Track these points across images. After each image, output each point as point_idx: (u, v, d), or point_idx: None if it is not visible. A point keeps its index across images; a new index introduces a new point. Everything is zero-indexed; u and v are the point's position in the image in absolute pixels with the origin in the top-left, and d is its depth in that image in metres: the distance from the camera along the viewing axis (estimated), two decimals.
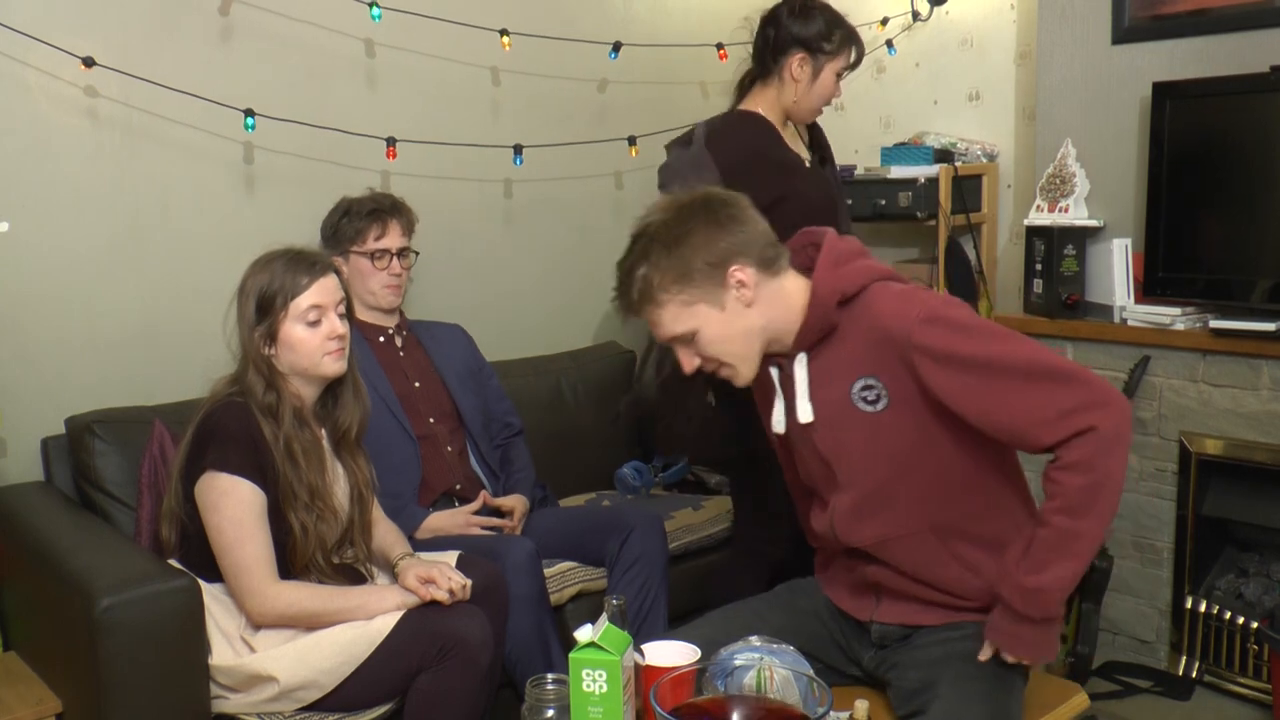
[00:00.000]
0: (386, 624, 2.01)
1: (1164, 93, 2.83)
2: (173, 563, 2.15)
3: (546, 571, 2.51)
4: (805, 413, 1.81)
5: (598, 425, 3.29)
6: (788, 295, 1.79)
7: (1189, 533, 2.89)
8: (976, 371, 1.68)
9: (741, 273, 1.74)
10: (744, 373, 1.81)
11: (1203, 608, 2.85)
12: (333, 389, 2.20)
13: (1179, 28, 2.90)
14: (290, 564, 2.08)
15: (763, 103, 2.58)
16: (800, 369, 1.81)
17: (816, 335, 1.78)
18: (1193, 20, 2.87)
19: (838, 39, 2.51)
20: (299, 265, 2.10)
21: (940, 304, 1.74)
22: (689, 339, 1.78)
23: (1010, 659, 1.73)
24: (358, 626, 2.01)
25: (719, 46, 3.51)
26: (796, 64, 2.52)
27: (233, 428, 2.04)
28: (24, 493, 2.45)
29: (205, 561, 2.08)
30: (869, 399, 1.76)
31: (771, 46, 2.56)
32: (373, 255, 2.67)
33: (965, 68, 3.74)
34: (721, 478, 3.24)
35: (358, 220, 2.68)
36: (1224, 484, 2.85)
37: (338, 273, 2.17)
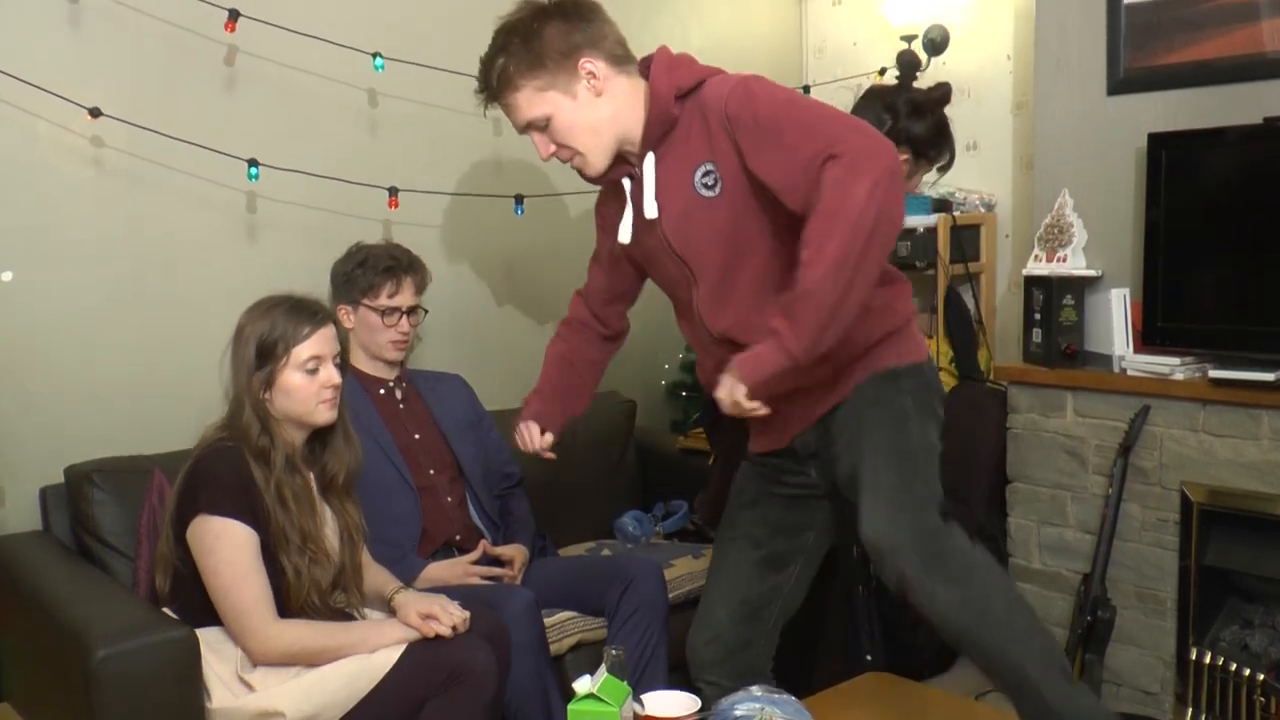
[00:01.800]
0: (390, 656, 2.03)
1: (1159, 144, 2.86)
2: (166, 611, 2.14)
3: (546, 621, 2.50)
4: (651, 209, 1.95)
5: (598, 474, 3.28)
6: (635, 94, 1.95)
7: (1192, 583, 2.87)
8: (771, 122, 1.80)
9: (591, 64, 1.91)
10: (593, 163, 1.97)
11: (1208, 659, 2.82)
12: (322, 435, 2.23)
13: (1174, 79, 2.93)
14: (285, 607, 2.08)
15: None
16: (649, 167, 1.95)
17: (660, 129, 1.93)
18: (1187, 71, 2.90)
19: (946, 153, 2.55)
20: (301, 314, 2.14)
21: (752, 77, 1.89)
22: (543, 125, 1.95)
23: (735, 375, 1.79)
24: (361, 659, 2.02)
25: None
26: (912, 163, 2.53)
27: (223, 471, 2.07)
28: (22, 542, 2.44)
29: (197, 606, 2.09)
30: (709, 184, 1.90)
31: (913, 148, 2.54)
32: (383, 311, 2.67)
33: (962, 118, 3.74)
34: None
35: (372, 274, 2.67)
36: (1226, 534, 2.84)
37: (335, 323, 2.21)
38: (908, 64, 2.82)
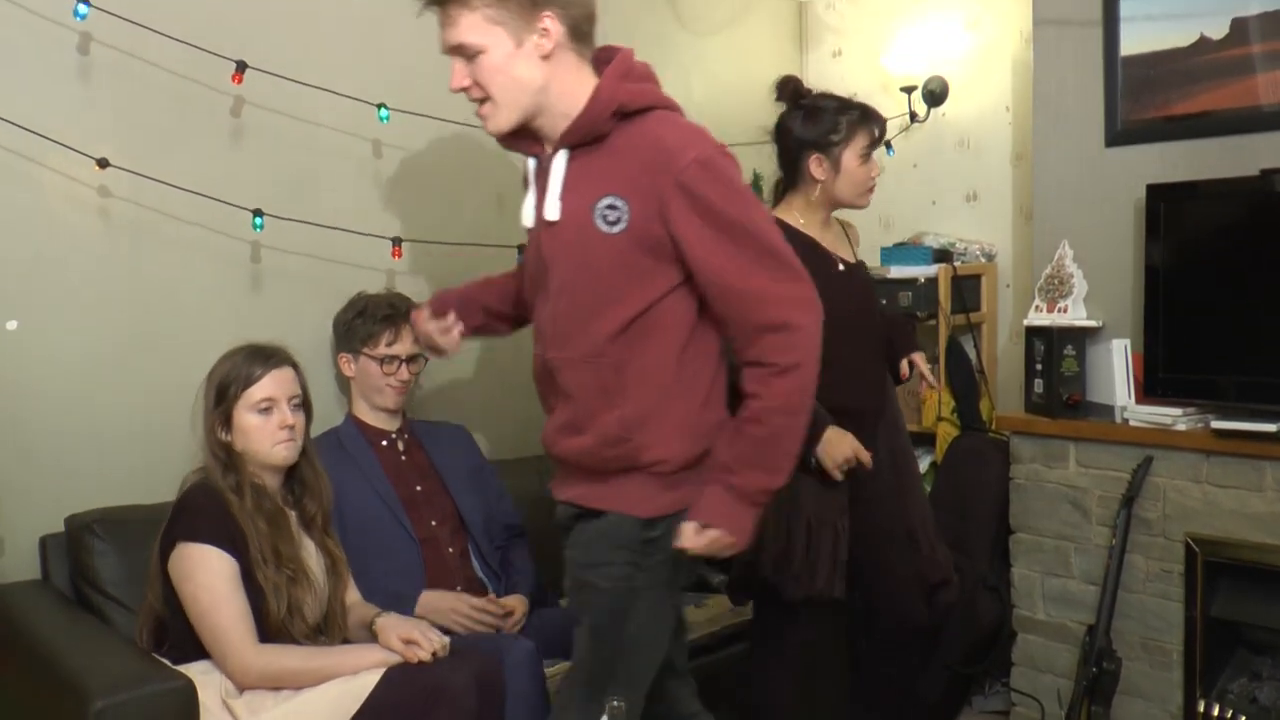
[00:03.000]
0: (371, 679, 2.06)
1: (1158, 195, 2.88)
2: (156, 656, 2.16)
3: (547, 670, 2.47)
4: (553, 210, 1.85)
5: None
6: (580, 82, 1.84)
7: (1198, 635, 2.84)
8: (725, 228, 1.76)
9: (552, 23, 1.81)
10: (500, 118, 1.86)
11: (1215, 711, 2.80)
12: (298, 476, 2.32)
13: (1171, 131, 2.96)
14: (264, 626, 2.12)
15: (796, 207, 2.62)
16: (559, 165, 1.85)
17: (582, 136, 1.83)
18: (1184, 124, 2.93)
19: (844, 126, 2.54)
20: (255, 358, 2.26)
21: (717, 152, 1.80)
22: (472, 55, 1.82)
23: (713, 532, 1.81)
24: (344, 682, 2.06)
25: None
26: (814, 165, 2.56)
27: (200, 500, 2.17)
28: (20, 591, 2.42)
29: (183, 642, 2.14)
30: (609, 219, 1.80)
31: (789, 155, 2.61)
32: (383, 360, 2.68)
33: (962, 168, 3.81)
34: (724, 578, 3.21)
35: (371, 323, 2.69)
36: (1232, 586, 2.82)
37: (295, 367, 2.29)
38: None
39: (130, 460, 2.64)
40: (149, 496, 2.57)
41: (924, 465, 3.41)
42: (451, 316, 2.21)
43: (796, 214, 2.61)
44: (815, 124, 2.56)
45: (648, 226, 1.77)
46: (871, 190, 2.61)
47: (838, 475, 2.47)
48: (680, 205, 1.75)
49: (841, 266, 2.61)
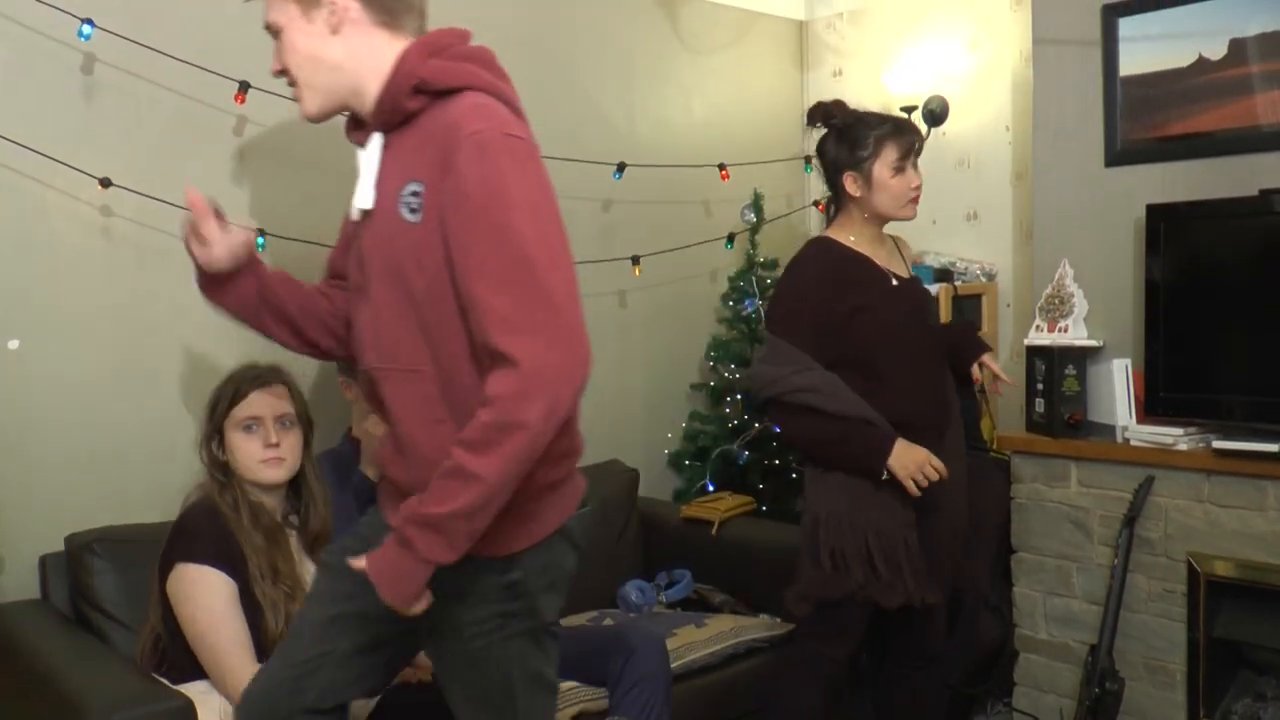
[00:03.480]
0: (367, 704, 2.07)
1: (1158, 215, 2.88)
2: (155, 676, 2.15)
3: None
4: (364, 197, 1.70)
5: (601, 543, 3.26)
6: (387, 60, 1.67)
7: (1201, 655, 2.83)
8: (482, 221, 1.54)
9: None
10: (307, 102, 1.74)
11: None
12: (297, 494, 2.32)
13: (1170, 151, 2.96)
14: (263, 645, 2.11)
15: (846, 226, 2.65)
16: (373, 149, 1.71)
17: (386, 116, 1.68)
18: (1184, 144, 2.94)
19: (871, 142, 2.56)
20: (245, 377, 2.28)
21: (502, 133, 1.57)
22: (277, 33, 1.73)
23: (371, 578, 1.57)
24: None
25: (720, 167, 3.59)
26: (849, 183, 2.59)
27: (199, 520, 2.18)
28: (19, 611, 2.42)
29: (179, 660, 2.13)
30: (412, 206, 1.62)
31: (829, 177, 2.65)
32: None
33: (963, 188, 3.81)
34: (726, 596, 3.21)
35: None
36: (1235, 606, 2.81)
37: (288, 386, 2.30)
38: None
39: (131, 479, 2.64)
40: (149, 516, 2.57)
41: None
42: (233, 233, 1.93)
43: (847, 232, 2.64)
44: (844, 143, 2.59)
45: (434, 217, 1.59)
46: (915, 201, 2.63)
47: (913, 488, 2.46)
48: (452, 182, 1.56)
49: (895, 282, 2.63)
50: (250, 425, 2.23)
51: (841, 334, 2.52)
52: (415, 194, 1.61)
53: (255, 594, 2.14)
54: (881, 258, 2.64)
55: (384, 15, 1.70)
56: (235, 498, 2.22)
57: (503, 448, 1.50)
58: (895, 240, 2.76)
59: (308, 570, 2.27)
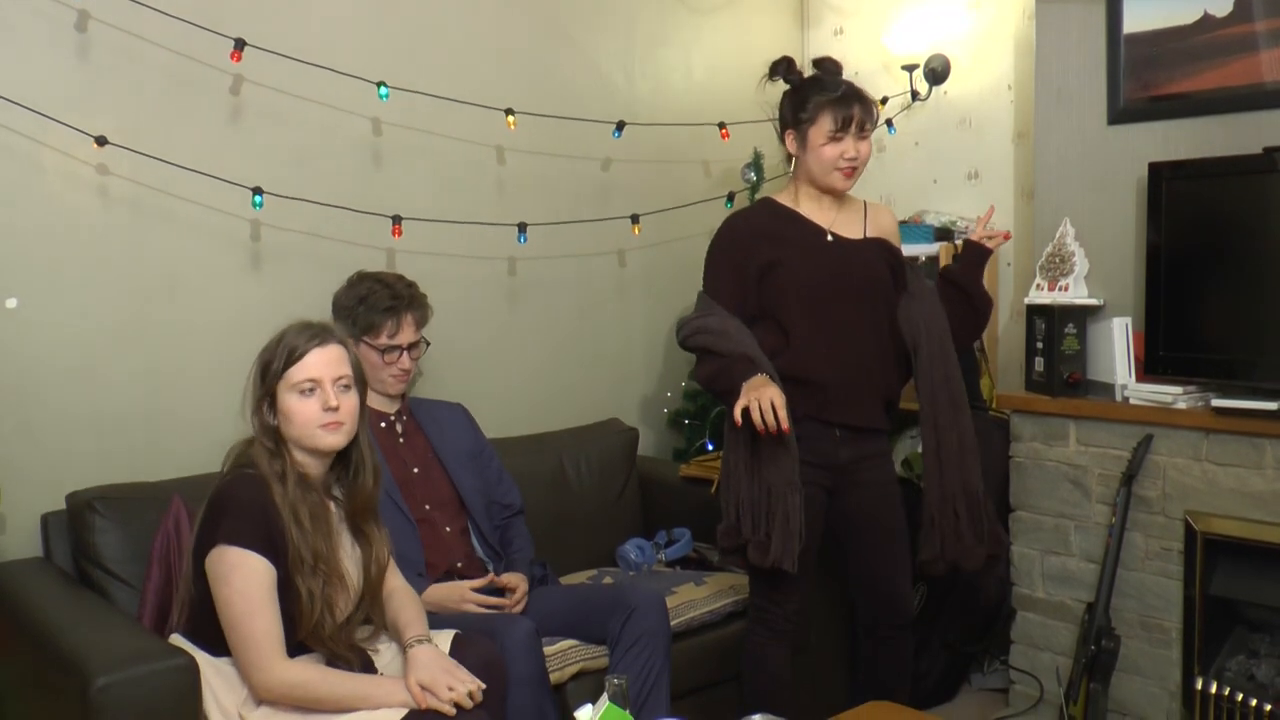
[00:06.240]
0: (391, 717, 1.98)
1: (1160, 173, 2.87)
2: (177, 636, 2.13)
3: (547, 650, 2.49)
4: None
5: (600, 502, 3.28)
6: None
7: (1197, 613, 2.85)
8: None
9: None
10: None
11: (1213, 689, 2.81)
12: (346, 462, 2.18)
13: (1173, 109, 2.94)
14: (295, 631, 2.04)
15: (791, 183, 2.66)
16: None
17: None
18: (1187, 101, 2.91)
19: (811, 107, 2.55)
20: (300, 336, 2.10)
21: None
22: None
23: None
24: (361, 717, 1.98)
25: (721, 126, 3.57)
26: (790, 142, 2.61)
27: (244, 500, 2.04)
28: (21, 569, 2.43)
29: (211, 635, 2.06)
30: None
31: (779, 132, 2.66)
32: (384, 350, 2.67)
33: (964, 147, 3.79)
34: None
35: (373, 313, 2.65)
36: (1231, 564, 2.82)
37: (345, 345, 2.16)
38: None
39: (131, 438, 2.65)
40: (150, 474, 2.58)
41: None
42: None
43: (791, 191, 2.65)
44: (791, 102, 2.61)
45: None
46: (846, 172, 2.57)
47: (737, 415, 2.40)
48: None
49: (830, 238, 2.60)
50: (309, 388, 2.07)
51: (755, 288, 2.55)
52: None
53: (296, 582, 2.03)
54: (823, 216, 2.62)
55: None
56: (284, 467, 2.07)
57: None
58: (867, 204, 2.72)
59: (346, 549, 2.16)
